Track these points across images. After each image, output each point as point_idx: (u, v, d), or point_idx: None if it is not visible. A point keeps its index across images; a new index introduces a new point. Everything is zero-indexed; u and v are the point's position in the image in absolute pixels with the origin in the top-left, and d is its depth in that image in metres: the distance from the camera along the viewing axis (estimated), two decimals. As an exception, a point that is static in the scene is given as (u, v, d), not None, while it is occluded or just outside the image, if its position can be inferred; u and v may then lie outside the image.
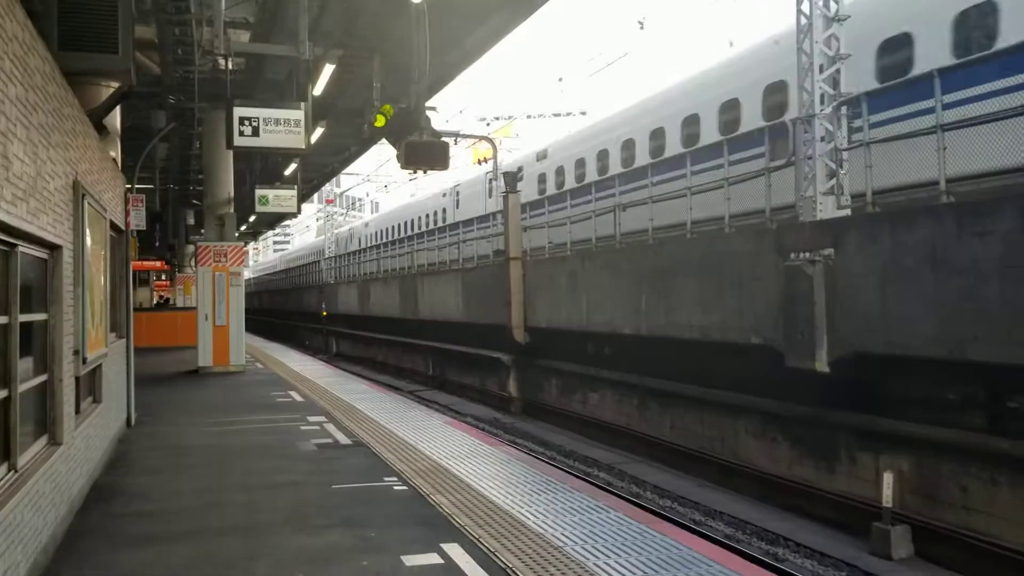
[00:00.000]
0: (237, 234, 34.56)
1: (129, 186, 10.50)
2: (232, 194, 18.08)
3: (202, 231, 21.57)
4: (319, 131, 15.25)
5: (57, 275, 5.45)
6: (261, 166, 21.38)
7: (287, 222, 70.56)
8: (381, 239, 38.34)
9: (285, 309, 52.09)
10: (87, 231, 6.19)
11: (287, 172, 20.27)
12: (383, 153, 35.64)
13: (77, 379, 6.13)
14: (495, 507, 6.23)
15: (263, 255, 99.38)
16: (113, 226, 9.22)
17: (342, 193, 58.45)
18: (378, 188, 62.59)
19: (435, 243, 26.71)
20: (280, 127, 9.79)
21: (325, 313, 39.48)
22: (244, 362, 17.99)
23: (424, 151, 9.71)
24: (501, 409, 20.33)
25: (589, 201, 17.17)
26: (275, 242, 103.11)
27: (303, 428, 10.02)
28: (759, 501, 11.85)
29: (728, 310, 12.22)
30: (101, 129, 9.50)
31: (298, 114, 9.96)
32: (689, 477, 13.33)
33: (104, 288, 7.57)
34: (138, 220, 10.00)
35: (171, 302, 41.41)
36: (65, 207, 5.58)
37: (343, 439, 9.19)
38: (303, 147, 10.00)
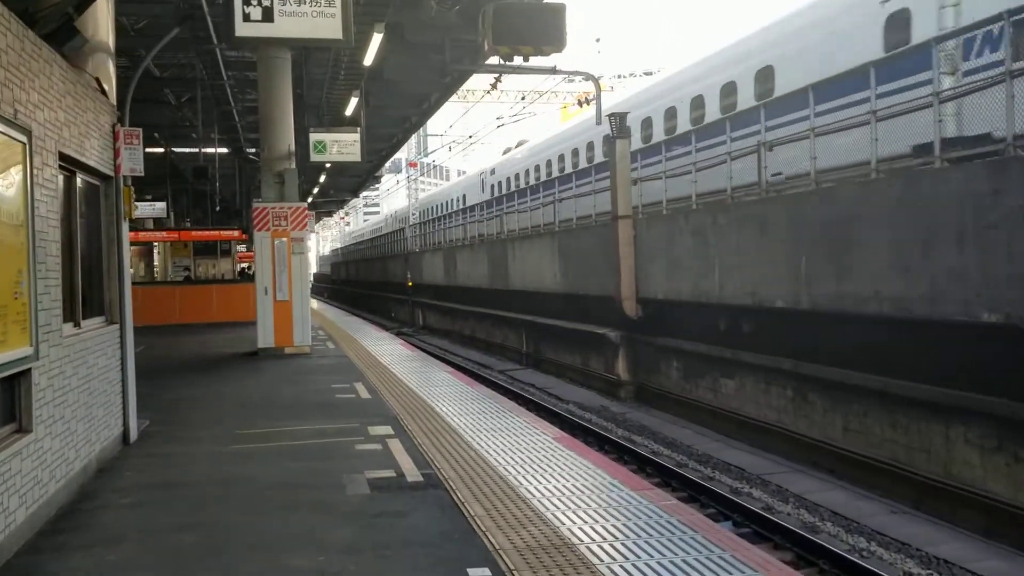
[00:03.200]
0: (309, 200, 32.29)
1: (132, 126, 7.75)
2: (293, 147, 15.38)
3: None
4: (377, 40, 12.12)
5: None
6: (329, 116, 18.69)
7: (373, 188, 68.76)
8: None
9: (371, 280, 50.21)
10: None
11: (348, 112, 17.30)
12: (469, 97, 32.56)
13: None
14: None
15: (353, 224, 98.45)
16: (83, 167, 6.50)
17: (425, 157, 56.14)
18: (465, 152, 59.75)
19: (526, 204, 23.58)
20: (305, 7, 6.74)
21: (411, 284, 37.13)
22: (310, 342, 15.41)
23: (523, 20, 6.40)
24: (608, 394, 17.31)
25: (722, 142, 13.75)
26: (366, 213, 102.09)
27: (359, 448, 7.17)
28: (989, 540, 8.53)
29: (942, 274, 8.79)
30: (71, 34, 6.78)
31: (330, -14, 6.91)
32: (873, 497, 10.04)
33: (30, 253, 4.82)
34: (133, 163, 7.31)
35: (250, 270, 39.73)
36: None
37: (411, 471, 6.29)
38: (340, 38, 6.94)
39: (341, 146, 15.05)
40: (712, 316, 13.86)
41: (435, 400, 9.64)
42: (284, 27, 6.76)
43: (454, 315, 30.95)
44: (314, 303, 40.05)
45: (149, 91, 20.85)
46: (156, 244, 42.78)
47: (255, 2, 6.57)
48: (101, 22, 7.85)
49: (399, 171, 79.60)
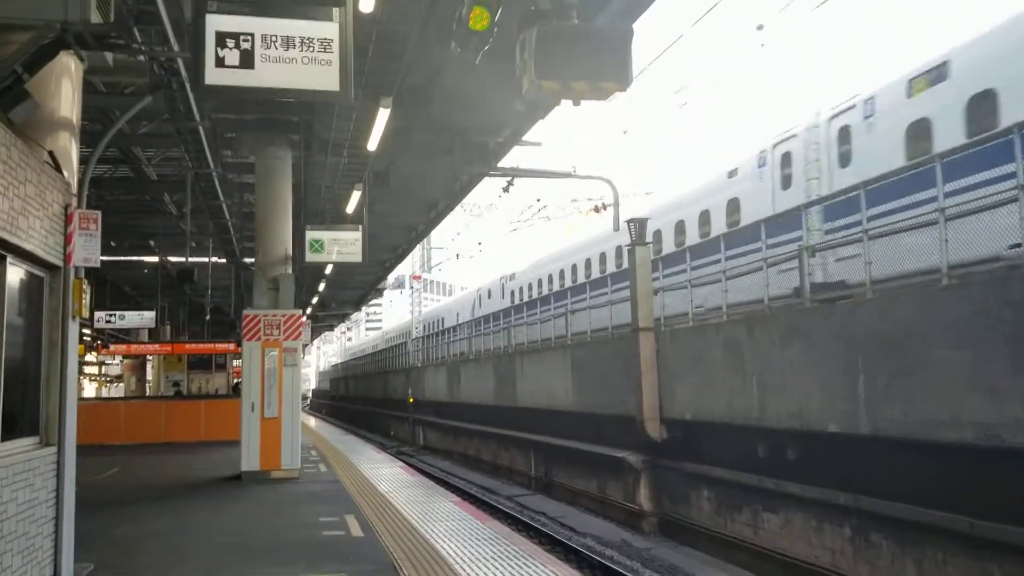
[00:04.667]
0: (308, 310, 31.08)
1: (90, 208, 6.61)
2: (290, 251, 14.32)
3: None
4: (384, 115, 10.89)
5: None
6: (330, 216, 17.67)
7: (375, 304, 68.02)
8: None
9: (370, 396, 48.59)
10: None
11: (349, 208, 16.15)
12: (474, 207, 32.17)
13: None
14: None
15: (355, 339, 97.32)
16: (17, 251, 5.30)
17: (428, 273, 55.58)
18: (471, 260, 59.08)
19: (535, 316, 22.43)
20: (294, 51, 5.57)
21: (412, 400, 35.56)
22: (299, 465, 13.87)
23: (577, 47, 4.98)
24: (629, 526, 15.58)
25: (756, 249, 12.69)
26: (367, 328, 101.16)
27: (344, 609, 5.68)
28: None
29: (1042, 396, 7.45)
30: (19, 97, 5.73)
31: (328, 29, 5.70)
32: (965, 666, 8.37)
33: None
34: (88, 252, 6.13)
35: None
36: None
37: (410, 648, 4.79)
38: (336, 90, 5.73)
39: (341, 246, 13.83)
40: (750, 440, 12.39)
41: (440, 539, 8.12)
42: (266, 75, 5.51)
43: (457, 434, 29.28)
44: (311, 420, 38.32)
45: (150, 200, 20.07)
46: (150, 357, 41.35)
47: (232, 44, 5.41)
48: (65, 98, 6.84)
49: (401, 286, 79.13)
